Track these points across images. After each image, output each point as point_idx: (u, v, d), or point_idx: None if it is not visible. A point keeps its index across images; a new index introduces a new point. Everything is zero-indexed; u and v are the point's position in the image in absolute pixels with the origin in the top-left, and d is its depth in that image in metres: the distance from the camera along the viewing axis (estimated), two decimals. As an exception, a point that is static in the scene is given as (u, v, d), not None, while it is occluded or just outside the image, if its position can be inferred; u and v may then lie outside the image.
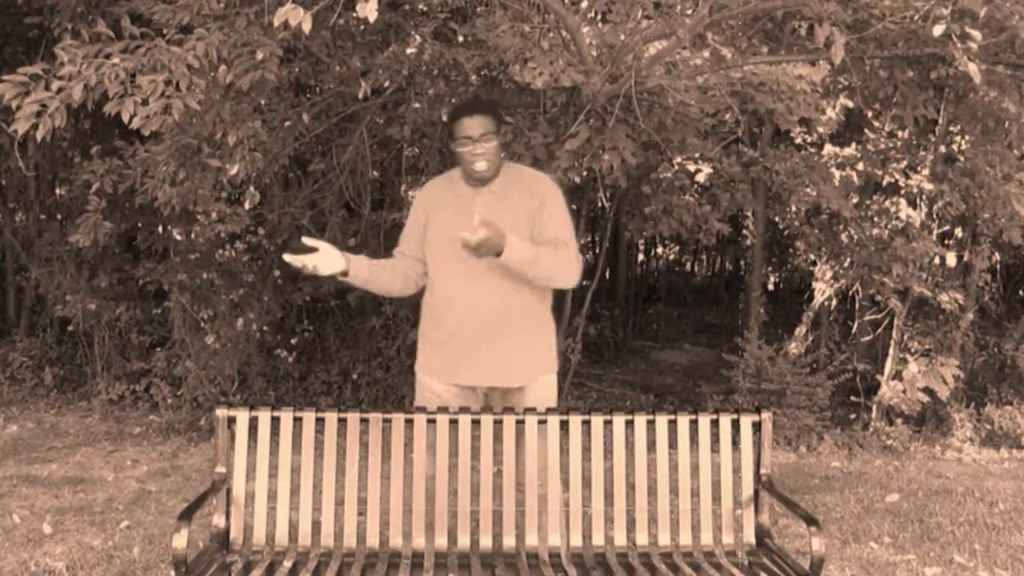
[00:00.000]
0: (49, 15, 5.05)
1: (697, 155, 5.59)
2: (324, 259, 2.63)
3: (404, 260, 2.88)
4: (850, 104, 5.59)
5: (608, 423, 2.68)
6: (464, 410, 2.66)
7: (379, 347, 6.47)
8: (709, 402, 6.21)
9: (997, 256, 6.70)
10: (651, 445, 2.69)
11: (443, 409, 2.68)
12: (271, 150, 4.55)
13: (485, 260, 2.67)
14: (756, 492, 2.68)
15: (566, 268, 2.72)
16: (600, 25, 4.37)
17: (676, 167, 5.73)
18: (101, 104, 3.12)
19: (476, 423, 2.65)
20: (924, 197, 6.06)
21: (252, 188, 4.78)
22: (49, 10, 5.04)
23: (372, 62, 4.53)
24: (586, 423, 2.67)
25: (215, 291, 5.84)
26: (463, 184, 2.82)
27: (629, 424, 2.69)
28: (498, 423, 2.65)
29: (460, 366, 2.78)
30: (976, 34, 3.12)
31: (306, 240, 2.64)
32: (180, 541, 2.20)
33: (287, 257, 2.58)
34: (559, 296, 5.99)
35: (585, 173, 4.61)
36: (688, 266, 16.62)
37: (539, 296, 2.81)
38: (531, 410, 2.68)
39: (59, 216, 6.99)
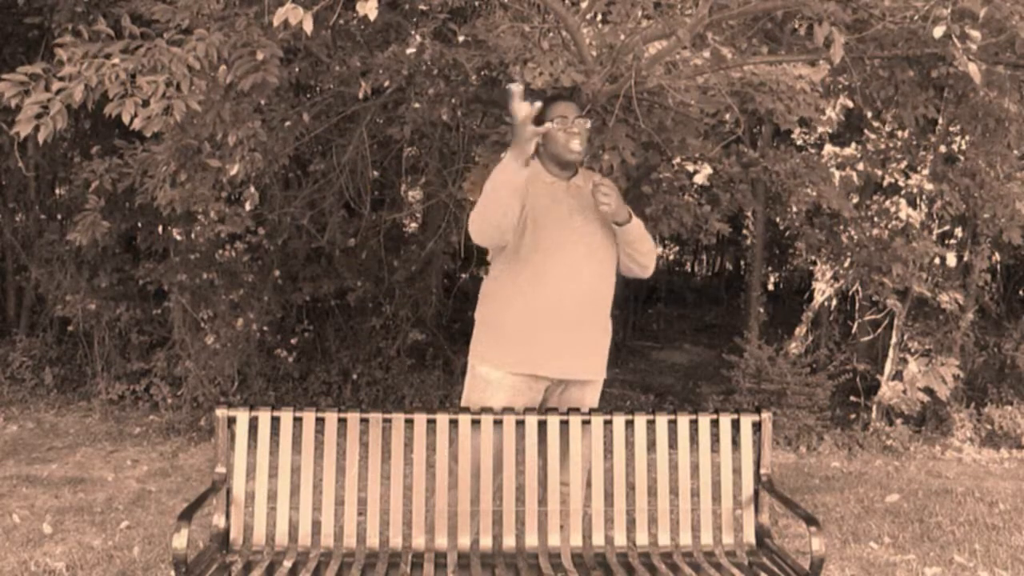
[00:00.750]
0: (49, 15, 5.05)
1: (697, 155, 5.59)
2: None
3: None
4: (850, 104, 5.58)
5: (608, 423, 2.68)
6: (464, 410, 2.66)
7: (379, 347, 6.47)
8: (709, 402, 6.21)
9: (997, 256, 6.70)
10: (651, 445, 2.69)
11: (443, 409, 2.68)
12: (271, 150, 4.55)
13: (585, 245, 2.72)
14: (756, 492, 2.68)
15: (654, 252, 2.88)
16: (600, 25, 4.37)
17: (676, 167, 5.73)
18: (101, 104, 3.12)
19: (476, 423, 2.65)
20: (924, 197, 6.06)
21: (252, 188, 4.78)
22: (49, 10, 5.04)
23: (372, 62, 4.53)
24: (586, 423, 2.68)
25: (215, 291, 5.84)
26: (547, 173, 2.84)
27: (629, 424, 2.69)
28: (498, 423, 2.65)
29: (544, 357, 2.75)
30: (976, 34, 3.11)
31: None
32: (180, 541, 2.20)
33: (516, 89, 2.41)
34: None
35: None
36: (688, 266, 16.62)
37: (612, 289, 2.88)
38: (531, 410, 2.68)
39: (59, 216, 6.99)
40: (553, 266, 2.74)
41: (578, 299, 2.75)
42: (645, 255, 2.85)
